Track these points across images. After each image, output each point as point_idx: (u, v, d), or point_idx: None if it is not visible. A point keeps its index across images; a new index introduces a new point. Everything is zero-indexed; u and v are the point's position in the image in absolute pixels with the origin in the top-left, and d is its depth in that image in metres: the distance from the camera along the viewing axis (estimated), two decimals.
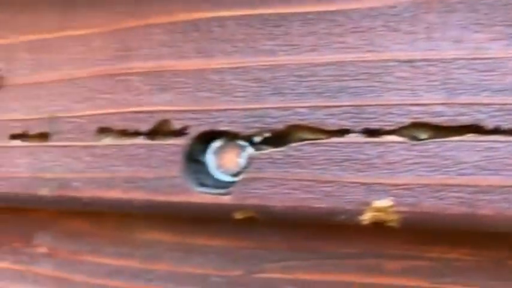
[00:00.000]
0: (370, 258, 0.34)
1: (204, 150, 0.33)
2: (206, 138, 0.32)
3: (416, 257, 0.33)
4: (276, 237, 0.35)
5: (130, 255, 0.39)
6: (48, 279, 0.42)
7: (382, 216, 0.28)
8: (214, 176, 0.32)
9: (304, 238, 0.35)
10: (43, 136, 0.35)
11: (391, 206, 0.28)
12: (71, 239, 0.41)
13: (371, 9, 0.28)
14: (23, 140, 0.35)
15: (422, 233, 0.32)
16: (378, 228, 0.29)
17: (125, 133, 0.32)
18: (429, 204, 0.27)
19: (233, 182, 0.31)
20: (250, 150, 0.31)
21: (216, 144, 0.32)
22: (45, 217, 0.41)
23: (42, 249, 0.42)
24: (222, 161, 0.32)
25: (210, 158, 0.32)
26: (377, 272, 0.34)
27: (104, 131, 0.33)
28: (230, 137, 0.31)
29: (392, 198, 0.28)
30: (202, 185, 0.32)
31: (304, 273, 0.35)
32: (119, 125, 0.32)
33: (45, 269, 0.42)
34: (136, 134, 0.32)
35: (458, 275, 0.32)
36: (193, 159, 0.32)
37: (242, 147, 0.31)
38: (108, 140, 0.33)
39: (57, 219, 0.41)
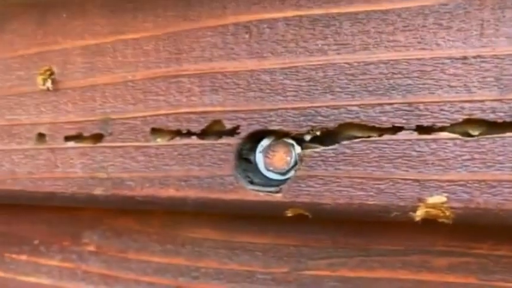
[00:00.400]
0: (416, 255, 0.34)
1: (253, 149, 0.33)
2: (255, 137, 0.33)
3: (464, 254, 0.33)
4: (320, 234, 0.36)
5: (176, 253, 0.40)
6: (97, 276, 0.43)
7: (434, 212, 0.28)
8: (264, 174, 0.33)
9: (348, 235, 0.35)
10: (97, 137, 0.36)
11: (445, 202, 0.28)
12: (118, 237, 0.42)
13: (422, 7, 0.29)
14: (78, 142, 0.36)
15: (469, 229, 0.32)
16: (424, 224, 0.30)
17: (177, 133, 0.33)
18: (483, 200, 0.28)
19: (283, 180, 0.32)
20: (298, 148, 0.32)
21: (265, 142, 0.33)
22: (93, 216, 0.43)
23: (90, 248, 0.43)
24: (271, 160, 0.32)
25: (259, 157, 0.33)
26: (423, 268, 0.34)
27: (157, 131, 0.34)
28: (279, 135, 0.32)
29: (445, 194, 0.28)
30: (252, 183, 0.33)
31: (349, 270, 0.35)
32: (172, 125, 0.33)
33: (93, 266, 0.43)
34: (188, 134, 0.33)
35: (508, 272, 0.32)
36: (243, 157, 0.33)
37: (291, 146, 0.32)
38: (161, 140, 0.34)
39: (104, 218, 0.42)
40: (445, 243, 0.33)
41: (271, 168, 0.33)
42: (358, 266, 0.35)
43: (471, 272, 0.33)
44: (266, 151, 0.33)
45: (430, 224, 0.29)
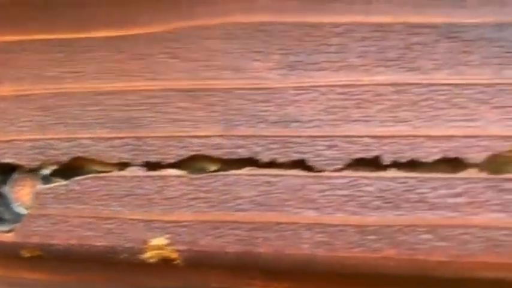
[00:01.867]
0: None
1: (3, 182, 0.31)
2: (5, 169, 0.30)
3: None
4: (95, 270, 0.33)
5: None
6: None
7: (166, 254, 0.27)
8: (14, 210, 0.30)
9: (122, 272, 0.33)
10: None
11: (169, 244, 0.26)
12: None
13: (151, 34, 0.27)
14: None
15: (242, 267, 0.31)
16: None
17: None
18: (206, 242, 0.26)
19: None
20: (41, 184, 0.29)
21: (14, 176, 0.30)
22: None
23: None
24: (18, 194, 0.30)
25: (8, 191, 0.30)
26: None
27: None
28: (24, 169, 0.30)
29: (168, 235, 0.26)
30: (2, 219, 0.30)
31: None
32: None
33: None
34: None
35: None
36: None
37: (39, 180, 0.30)
38: None
39: None
40: (219, 281, 0.32)
41: (19, 203, 0.30)
42: None
43: None
44: (14, 185, 0.30)
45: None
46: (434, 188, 0.24)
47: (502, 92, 0.24)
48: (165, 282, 0.31)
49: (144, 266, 0.30)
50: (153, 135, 0.27)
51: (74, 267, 0.33)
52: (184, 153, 0.26)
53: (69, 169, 0.29)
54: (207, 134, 0.26)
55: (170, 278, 0.31)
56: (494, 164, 0.24)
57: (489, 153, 0.23)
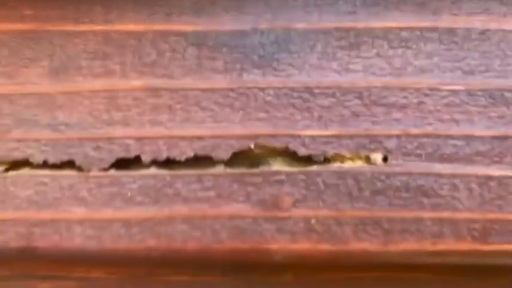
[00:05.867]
0: (23, 280, 0.34)
1: None
2: None
3: (64, 277, 0.34)
4: None
5: None
6: None
7: None
8: None
9: None
10: None
11: None
12: None
13: None
14: None
15: (70, 254, 0.33)
16: (26, 251, 0.30)
17: None
18: None
19: None
20: None
21: None
22: None
23: None
24: None
25: None
26: None
27: None
28: None
29: None
30: None
31: None
32: None
33: None
34: None
35: None
36: None
37: None
38: None
39: None
40: (49, 268, 0.34)
41: None
42: None
43: None
44: None
45: (30, 251, 0.29)
46: (188, 183, 0.26)
47: (243, 96, 0.26)
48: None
49: None
50: None
51: None
52: None
53: None
54: None
55: (3, 266, 0.33)
56: (239, 160, 0.26)
57: (233, 150, 0.26)
